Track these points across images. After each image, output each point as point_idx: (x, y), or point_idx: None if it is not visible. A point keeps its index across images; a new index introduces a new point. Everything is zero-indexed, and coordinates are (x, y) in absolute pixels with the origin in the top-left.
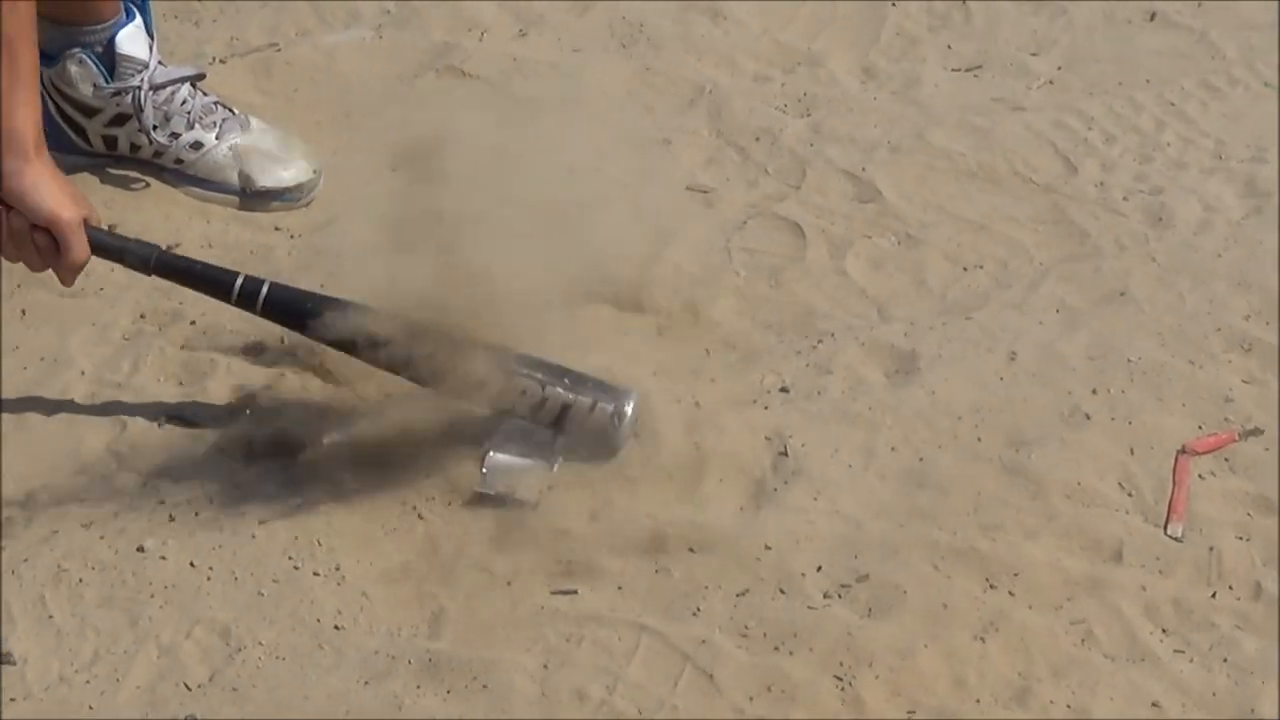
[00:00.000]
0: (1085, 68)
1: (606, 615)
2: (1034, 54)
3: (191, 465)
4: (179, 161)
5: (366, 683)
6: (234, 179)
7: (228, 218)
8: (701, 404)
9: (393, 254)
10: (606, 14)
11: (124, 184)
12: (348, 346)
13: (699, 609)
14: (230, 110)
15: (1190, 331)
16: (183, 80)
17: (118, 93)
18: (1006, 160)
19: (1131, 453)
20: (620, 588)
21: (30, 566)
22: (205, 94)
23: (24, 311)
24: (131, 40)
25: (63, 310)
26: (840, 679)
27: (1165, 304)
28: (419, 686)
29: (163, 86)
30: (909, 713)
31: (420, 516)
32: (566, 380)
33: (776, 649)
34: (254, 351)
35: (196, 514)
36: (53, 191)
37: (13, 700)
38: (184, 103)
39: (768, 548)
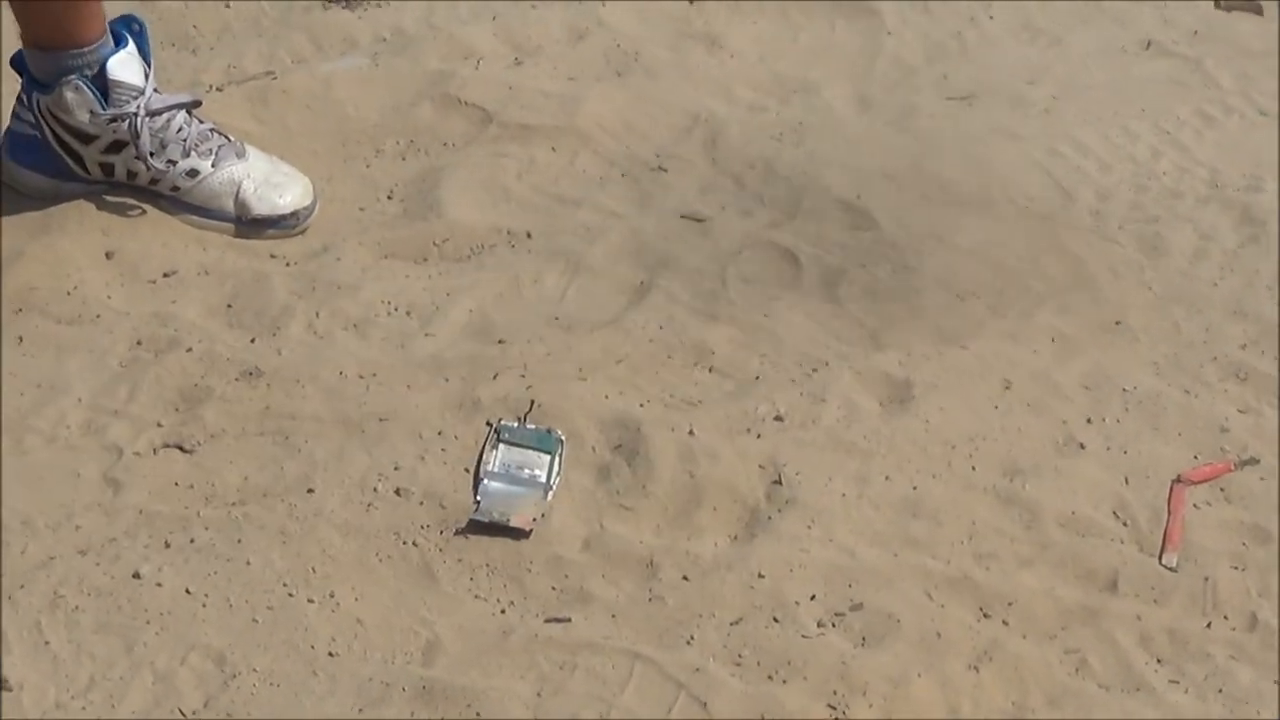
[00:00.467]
0: (1081, 96)
1: (600, 643)
2: (1030, 82)
3: (187, 492)
4: (175, 189)
5: (361, 710)
6: (230, 206)
7: (224, 245)
8: (696, 432)
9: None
10: (602, 42)
11: (121, 211)
12: None
13: (693, 637)
14: (226, 137)
15: (1186, 360)
16: (179, 107)
17: (114, 119)
18: (1002, 189)
19: (1126, 482)
20: (614, 615)
21: (26, 593)
22: (201, 121)
23: (21, 338)
24: (124, 66)
25: (60, 337)
26: (834, 707)
27: (1161, 333)
28: (413, 713)
29: (159, 113)
30: None
31: (414, 544)
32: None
33: (770, 677)
34: (250, 377)
35: (192, 540)
36: None
37: None
38: (180, 130)
39: (761, 576)
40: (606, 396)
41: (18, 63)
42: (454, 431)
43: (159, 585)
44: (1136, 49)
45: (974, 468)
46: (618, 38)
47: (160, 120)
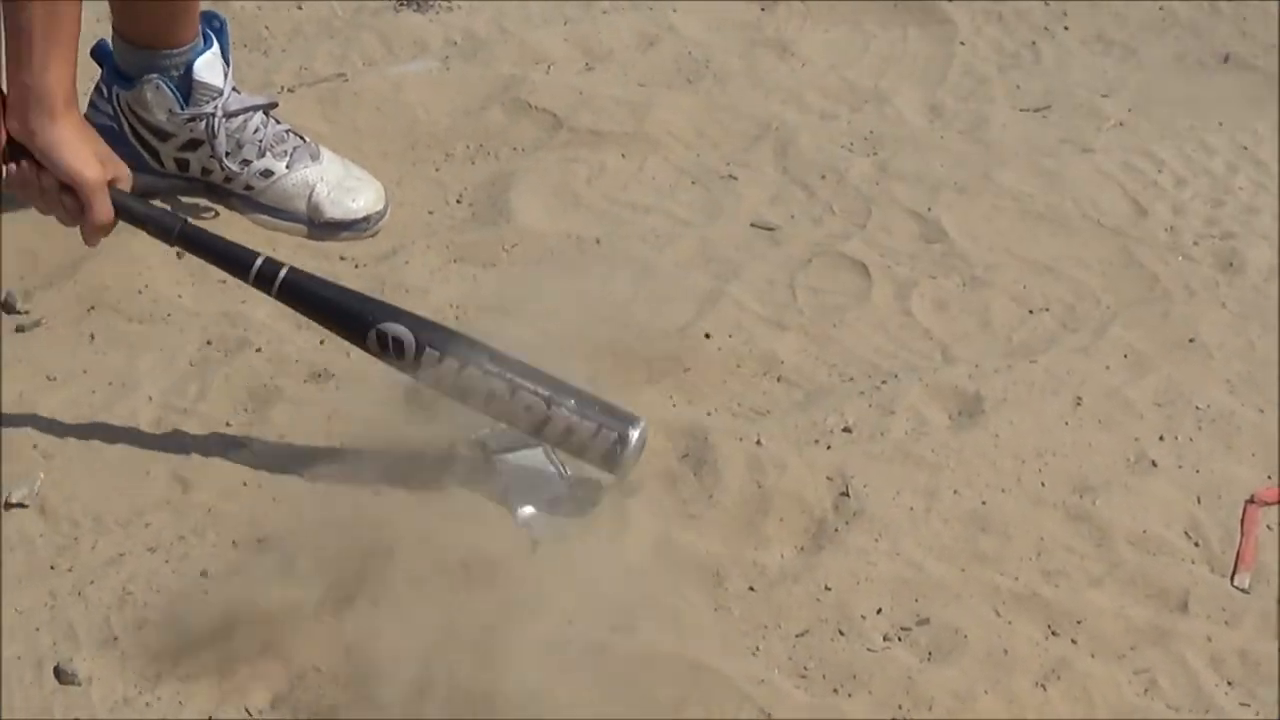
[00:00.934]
0: (1156, 110)
1: (665, 653)
2: (1104, 95)
3: (256, 492)
4: (249, 188)
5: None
6: (302, 208)
7: (295, 246)
8: (763, 442)
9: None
10: (673, 49)
11: (194, 212)
12: (358, 340)
13: (758, 648)
14: (302, 139)
15: (1260, 379)
16: (256, 108)
17: (192, 119)
18: (1075, 202)
19: (1199, 501)
20: (679, 625)
21: (97, 589)
22: (278, 122)
23: (93, 336)
24: (209, 68)
25: (131, 335)
26: None
27: (1235, 350)
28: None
29: (236, 114)
30: None
31: (484, 551)
32: (572, 401)
33: (835, 690)
34: (319, 379)
35: (259, 540)
36: (78, 151)
37: None
38: (256, 130)
39: (828, 588)
40: (674, 404)
41: (99, 53)
42: None
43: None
44: (1214, 62)
45: (1044, 483)
46: (688, 44)
47: (237, 121)
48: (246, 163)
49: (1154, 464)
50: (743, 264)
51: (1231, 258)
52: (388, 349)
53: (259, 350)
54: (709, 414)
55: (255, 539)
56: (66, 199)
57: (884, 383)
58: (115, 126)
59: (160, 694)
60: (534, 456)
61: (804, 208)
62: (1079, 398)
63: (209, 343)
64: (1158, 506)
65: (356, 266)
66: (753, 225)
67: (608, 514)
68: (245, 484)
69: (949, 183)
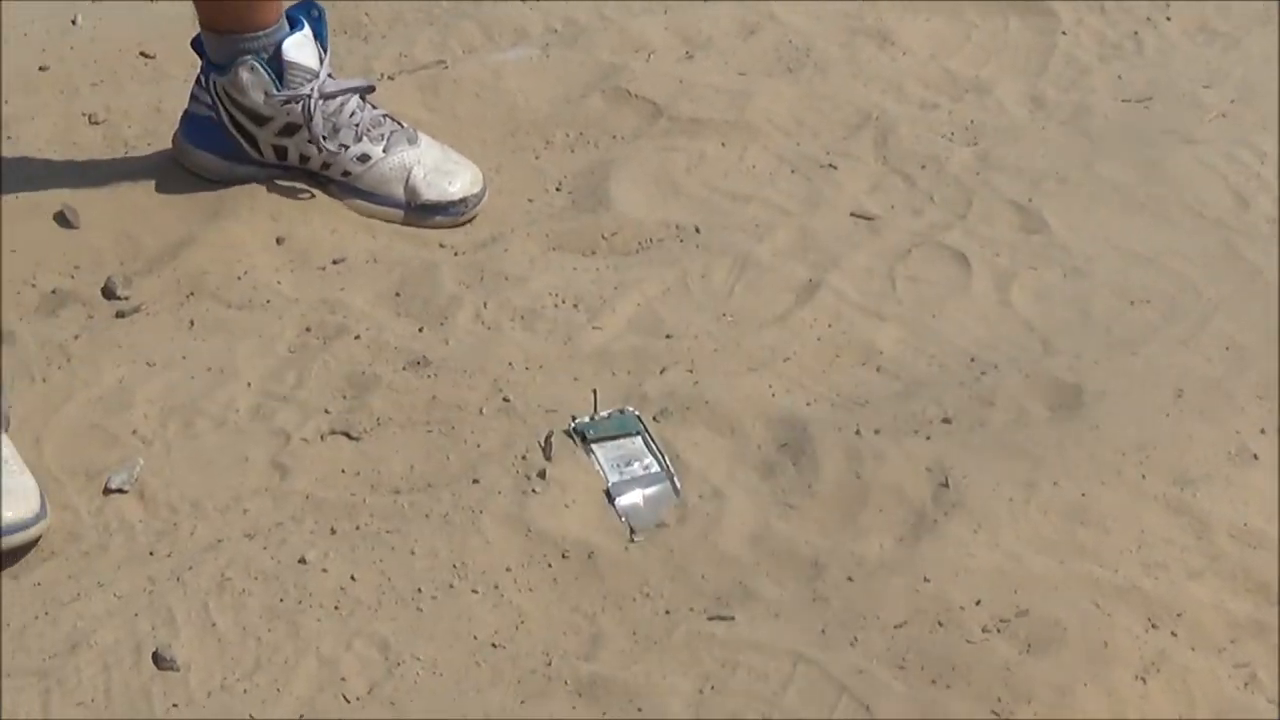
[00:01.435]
0: (1260, 101)
1: (763, 642)
2: (1206, 86)
3: (353, 479)
4: (346, 173)
5: (523, 702)
6: (400, 192)
7: (392, 233)
8: (862, 432)
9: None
10: (774, 37)
11: (291, 196)
12: None
13: (856, 639)
14: (399, 123)
15: None
16: (352, 91)
17: (288, 101)
18: (1177, 194)
19: None
20: (777, 615)
21: (195, 574)
22: (374, 107)
23: (192, 322)
24: (299, 48)
25: (229, 322)
26: (997, 715)
27: None
28: (574, 708)
29: (332, 96)
30: None
31: (579, 537)
32: None
33: (934, 682)
34: (418, 366)
35: (357, 528)
36: None
37: (175, 706)
38: (353, 114)
39: (926, 580)
40: (773, 394)
41: (197, 45)
42: None
43: (324, 571)
44: None
45: (1144, 475)
46: (789, 33)
47: (334, 104)
48: (344, 146)
49: (1255, 457)
50: (842, 254)
51: None
52: None
53: (357, 337)
54: (808, 404)
55: (354, 526)
56: None
57: (984, 374)
58: (214, 116)
59: (258, 680)
60: (632, 445)
61: (904, 197)
62: (1180, 390)
63: (308, 329)
64: (1258, 499)
65: (456, 254)
66: (852, 215)
67: (706, 503)
68: (343, 471)
69: (1050, 173)
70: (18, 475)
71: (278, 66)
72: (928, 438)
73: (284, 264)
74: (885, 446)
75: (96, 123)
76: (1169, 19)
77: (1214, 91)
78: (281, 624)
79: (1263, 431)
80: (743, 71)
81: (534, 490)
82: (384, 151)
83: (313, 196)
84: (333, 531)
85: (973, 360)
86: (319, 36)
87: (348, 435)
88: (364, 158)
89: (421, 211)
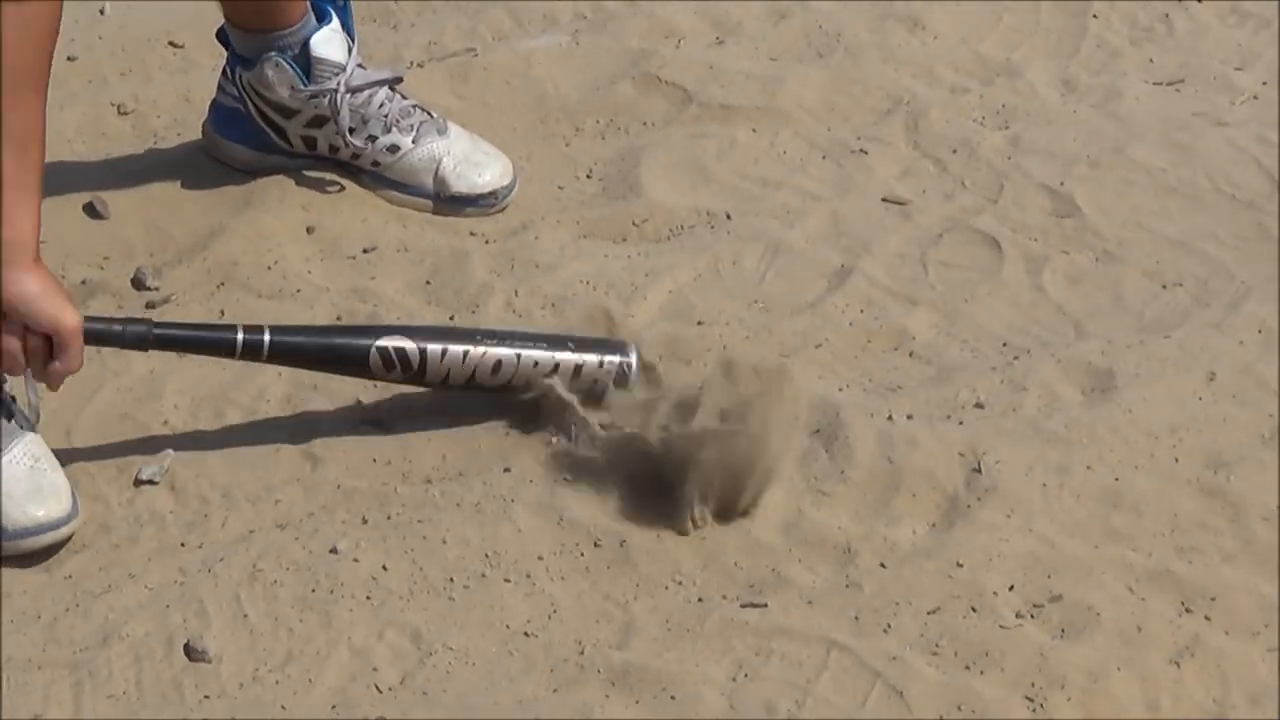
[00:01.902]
0: None
1: (796, 629)
2: (1238, 68)
3: (384, 469)
4: (376, 164)
5: (556, 691)
6: (429, 183)
7: (423, 222)
8: (895, 417)
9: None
10: (804, 22)
11: (321, 187)
12: (362, 366)
13: (889, 625)
14: (428, 114)
15: None
16: (380, 84)
17: (314, 95)
18: (1208, 176)
19: None
20: (810, 602)
21: (226, 566)
22: (404, 97)
23: (223, 312)
24: (326, 43)
25: (261, 312)
26: (1031, 700)
27: None
28: (607, 696)
29: (360, 89)
30: None
31: (611, 525)
32: (571, 344)
33: (967, 668)
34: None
35: (389, 517)
36: (54, 299)
37: (207, 698)
38: (381, 106)
39: (960, 565)
40: (806, 380)
41: (222, 36)
42: None
43: (356, 561)
44: None
45: (1177, 459)
46: (819, 18)
47: (361, 96)
48: (372, 139)
49: None
50: (873, 239)
51: None
52: (392, 365)
53: None
54: (840, 390)
55: (385, 516)
56: (34, 343)
57: (1016, 358)
58: (241, 108)
59: (290, 671)
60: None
61: (935, 182)
62: (1212, 373)
63: (338, 318)
64: None
65: (486, 242)
66: (884, 200)
67: None
68: (374, 460)
69: (1081, 157)
70: (49, 474)
71: (304, 61)
72: (960, 423)
73: (314, 253)
74: (918, 432)
75: (125, 113)
76: (1200, 1)
77: (1246, 74)
78: (313, 614)
79: None
80: (773, 57)
81: (566, 478)
82: (413, 142)
83: (342, 188)
84: (364, 521)
85: (1005, 345)
86: (345, 27)
87: (379, 425)
88: (393, 148)
89: (451, 202)
